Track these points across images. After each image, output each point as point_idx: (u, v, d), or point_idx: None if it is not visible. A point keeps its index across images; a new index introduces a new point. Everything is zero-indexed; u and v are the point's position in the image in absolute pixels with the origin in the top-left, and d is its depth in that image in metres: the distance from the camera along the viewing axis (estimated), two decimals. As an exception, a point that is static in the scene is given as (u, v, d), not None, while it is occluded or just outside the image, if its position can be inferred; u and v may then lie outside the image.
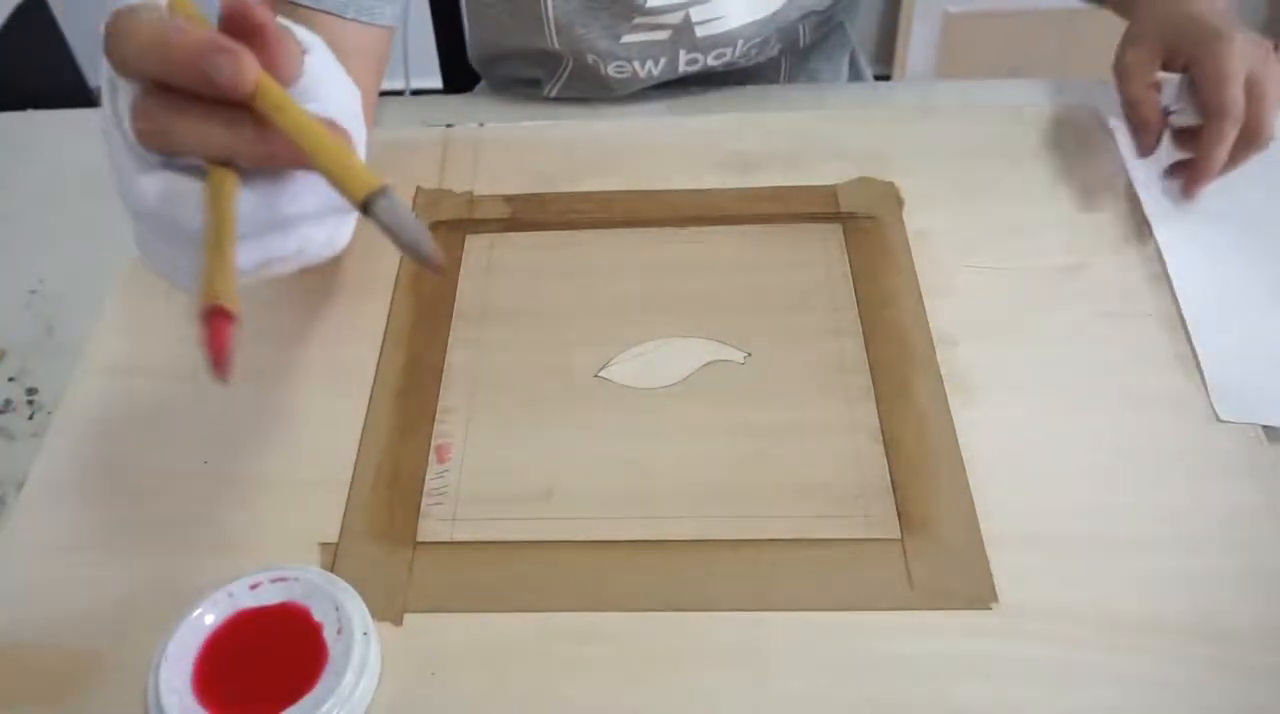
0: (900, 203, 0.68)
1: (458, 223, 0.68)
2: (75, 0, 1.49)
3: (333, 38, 0.58)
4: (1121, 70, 0.65)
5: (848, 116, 0.75)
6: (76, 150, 0.77)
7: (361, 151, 0.40)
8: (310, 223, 0.38)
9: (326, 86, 0.39)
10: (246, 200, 0.36)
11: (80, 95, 1.49)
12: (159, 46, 0.34)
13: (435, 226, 0.68)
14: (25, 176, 0.75)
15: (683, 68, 0.75)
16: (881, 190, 0.69)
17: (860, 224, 0.67)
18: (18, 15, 1.34)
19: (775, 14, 0.74)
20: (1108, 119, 0.71)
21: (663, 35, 0.72)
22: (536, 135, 0.75)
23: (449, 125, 0.76)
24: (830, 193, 0.69)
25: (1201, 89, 0.59)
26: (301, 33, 0.40)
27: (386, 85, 0.70)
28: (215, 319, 0.36)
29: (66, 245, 0.70)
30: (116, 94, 0.37)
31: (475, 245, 0.67)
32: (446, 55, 1.09)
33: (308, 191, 0.37)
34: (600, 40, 0.72)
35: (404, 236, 0.36)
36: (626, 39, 0.72)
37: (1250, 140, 0.59)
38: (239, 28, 0.35)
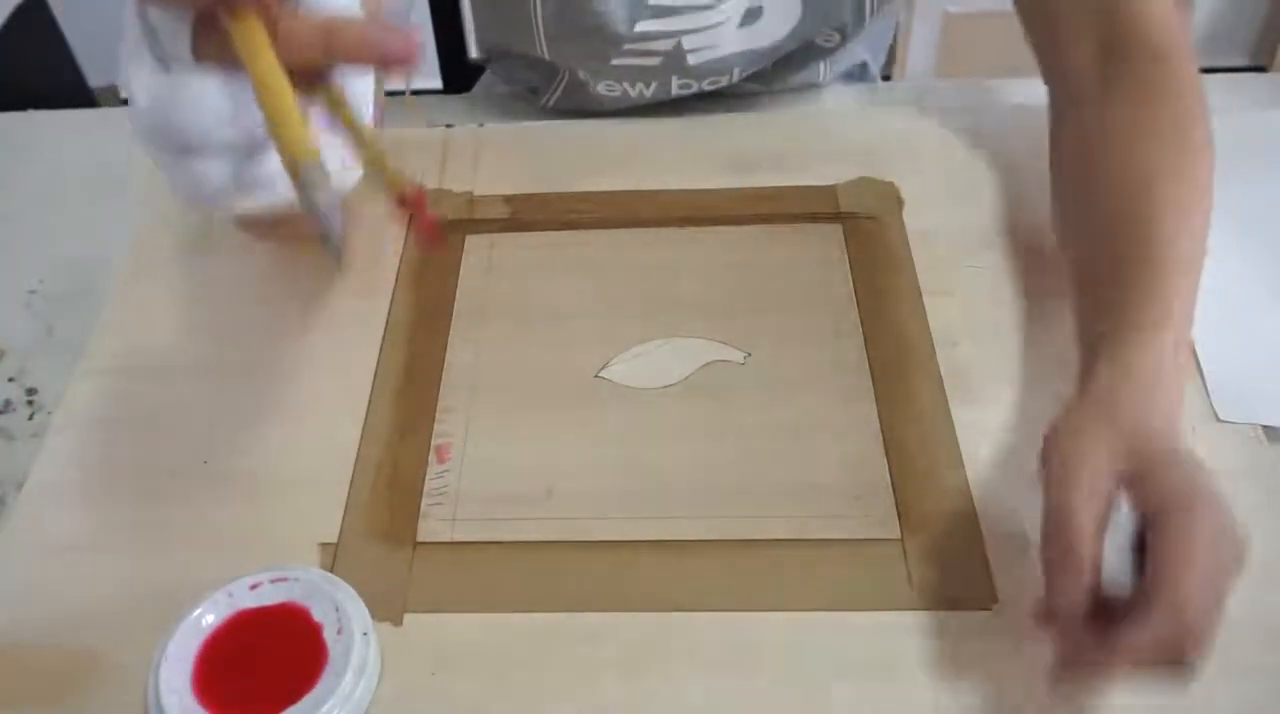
0: (900, 203, 0.68)
1: (458, 223, 0.68)
2: (75, 0, 1.49)
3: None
4: (1061, 461, 0.44)
5: (847, 116, 0.75)
6: (76, 150, 0.77)
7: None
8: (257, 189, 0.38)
9: None
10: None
11: (80, 95, 1.49)
12: None
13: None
14: (25, 176, 0.75)
15: (675, 91, 0.74)
16: (881, 190, 0.69)
17: (860, 224, 0.67)
18: (18, 15, 1.34)
19: (775, 46, 0.73)
20: None
21: (654, 61, 0.71)
22: (536, 135, 0.75)
23: (449, 125, 0.76)
24: (830, 193, 0.69)
25: (1152, 557, 0.41)
26: None
27: (386, 85, 0.70)
28: (406, 207, 0.38)
29: (66, 245, 0.70)
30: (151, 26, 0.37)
31: (475, 245, 0.67)
32: (446, 55, 1.09)
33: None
34: (590, 60, 0.72)
35: (317, 213, 0.36)
36: (616, 62, 0.71)
37: (1176, 648, 0.40)
38: None
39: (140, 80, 0.37)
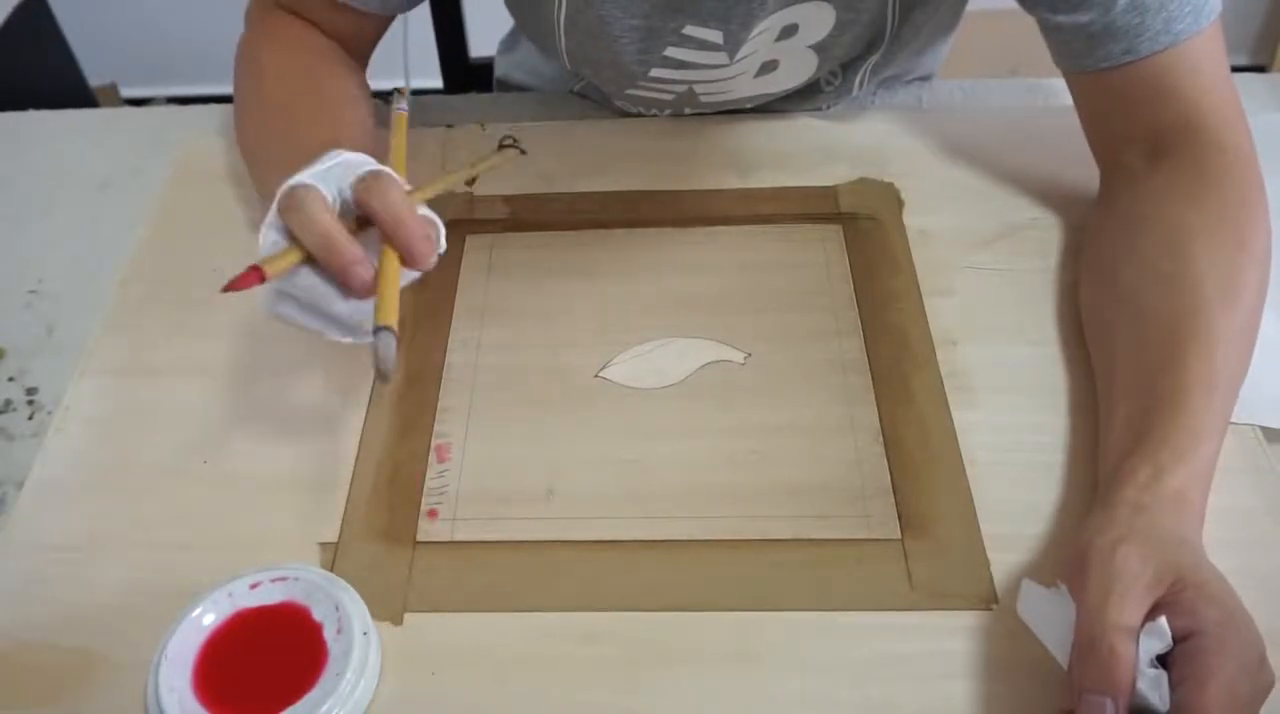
0: (900, 203, 0.68)
1: (458, 223, 0.68)
2: (75, 0, 1.49)
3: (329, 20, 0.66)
4: (1100, 580, 0.43)
5: (847, 117, 0.75)
6: (76, 150, 0.77)
7: (442, 236, 0.51)
8: (335, 327, 0.49)
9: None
10: (314, 283, 0.47)
11: (80, 95, 1.49)
12: (325, 244, 0.46)
13: (435, 226, 0.68)
14: (25, 176, 0.75)
15: (689, 112, 0.75)
16: (881, 190, 0.69)
17: (860, 224, 0.67)
18: (18, 15, 1.34)
19: (785, 91, 0.73)
20: None
21: (667, 97, 0.72)
22: (536, 136, 0.75)
23: (449, 125, 0.76)
24: (830, 193, 0.69)
25: (1180, 683, 0.40)
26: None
27: (387, 85, 0.70)
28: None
29: (66, 245, 0.70)
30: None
31: (475, 245, 0.67)
32: (446, 55, 1.09)
33: (351, 309, 0.48)
34: (607, 85, 0.73)
35: (379, 360, 0.45)
36: (631, 92, 0.72)
37: None
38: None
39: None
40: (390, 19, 0.70)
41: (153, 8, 1.87)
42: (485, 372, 0.60)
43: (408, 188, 0.50)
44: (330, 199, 0.48)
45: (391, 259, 0.48)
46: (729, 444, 0.56)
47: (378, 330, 0.46)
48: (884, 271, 0.64)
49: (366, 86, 0.71)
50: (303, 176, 0.48)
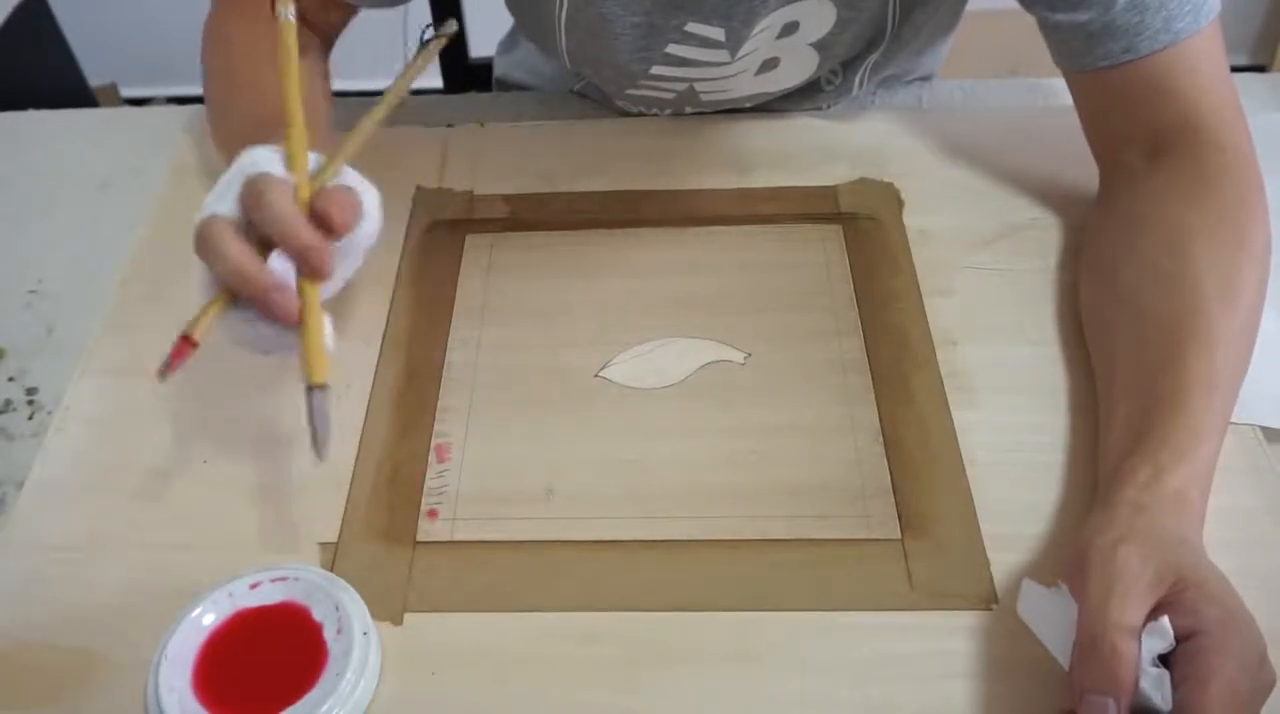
0: (900, 203, 0.68)
1: (458, 223, 0.68)
2: (75, 0, 1.49)
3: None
4: (1101, 581, 0.43)
5: (848, 117, 0.75)
6: (76, 150, 0.77)
7: (371, 205, 0.49)
8: (284, 346, 0.48)
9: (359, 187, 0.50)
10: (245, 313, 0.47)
11: (80, 95, 1.49)
12: (238, 277, 0.45)
13: (435, 226, 0.68)
14: (25, 176, 0.75)
15: (689, 112, 0.75)
16: (881, 190, 0.69)
17: (860, 224, 0.67)
18: (18, 15, 1.34)
19: (785, 90, 0.73)
20: None
21: (668, 95, 0.72)
22: (536, 135, 0.75)
23: (449, 125, 0.76)
24: (830, 193, 0.69)
25: (1182, 683, 0.40)
26: (352, 175, 0.50)
27: (388, 85, 0.70)
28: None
29: (66, 245, 0.70)
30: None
31: (475, 245, 0.67)
32: (446, 55, 1.09)
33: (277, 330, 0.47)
34: (607, 84, 0.73)
35: (314, 424, 0.45)
36: (631, 92, 0.72)
37: None
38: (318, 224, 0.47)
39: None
40: (354, 12, 0.69)
41: (153, 8, 1.87)
42: (485, 371, 0.60)
43: (304, 161, 0.47)
44: (236, 217, 0.46)
45: (312, 301, 0.46)
46: (729, 444, 0.56)
47: (307, 390, 0.44)
48: (884, 271, 0.64)
49: (328, 73, 0.70)
50: (207, 205, 0.46)
